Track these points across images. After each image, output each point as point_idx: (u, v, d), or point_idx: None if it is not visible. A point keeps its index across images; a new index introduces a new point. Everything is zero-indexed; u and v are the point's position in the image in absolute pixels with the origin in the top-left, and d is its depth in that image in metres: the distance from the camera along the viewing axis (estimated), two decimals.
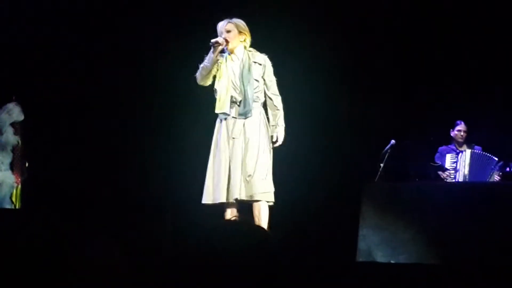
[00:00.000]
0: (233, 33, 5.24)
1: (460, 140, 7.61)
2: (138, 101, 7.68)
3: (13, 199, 6.52)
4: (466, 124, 7.60)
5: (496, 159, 7.37)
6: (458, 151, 7.58)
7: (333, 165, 7.55)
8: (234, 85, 5.20)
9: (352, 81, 7.70)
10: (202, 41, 5.38)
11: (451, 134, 7.66)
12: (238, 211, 5.19)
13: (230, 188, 5.08)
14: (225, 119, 5.18)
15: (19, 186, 6.58)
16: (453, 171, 7.51)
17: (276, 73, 5.42)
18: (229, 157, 5.12)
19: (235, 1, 6.67)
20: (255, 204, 5.13)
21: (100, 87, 7.58)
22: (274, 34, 7.16)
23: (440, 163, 7.60)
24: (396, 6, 7.65)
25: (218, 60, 5.21)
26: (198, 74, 5.26)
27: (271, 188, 5.17)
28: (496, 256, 5.14)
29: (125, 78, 7.59)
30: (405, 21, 7.64)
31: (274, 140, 5.29)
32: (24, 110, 6.62)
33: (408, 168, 7.22)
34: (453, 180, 7.45)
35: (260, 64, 5.29)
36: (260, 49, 5.42)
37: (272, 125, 5.32)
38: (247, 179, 5.07)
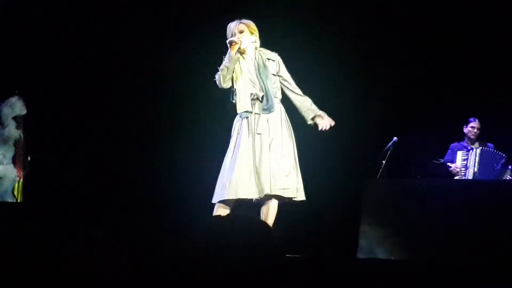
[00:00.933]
0: (245, 34, 5.25)
1: (472, 137, 7.57)
2: (140, 97, 7.68)
3: (15, 192, 6.53)
4: (479, 121, 7.56)
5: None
6: (469, 148, 7.55)
7: (334, 161, 7.55)
8: (253, 83, 5.21)
9: (354, 77, 7.69)
10: (213, 42, 5.37)
11: (464, 131, 7.63)
12: (231, 209, 5.15)
13: (259, 184, 5.05)
14: (247, 117, 5.17)
15: (21, 180, 6.59)
16: (463, 168, 7.50)
17: None
18: (256, 152, 5.08)
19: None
20: (265, 202, 5.12)
21: (104, 82, 7.57)
22: (275, 33, 7.16)
23: (442, 160, 7.59)
24: (399, 0, 7.64)
25: (238, 57, 5.19)
26: (218, 77, 5.21)
27: (293, 184, 5.13)
28: (498, 254, 5.14)
29: (129, 73, 7.59)
30: (411, 16, 7.62)
31: (327, 123, 5.29)
32: (27, 104, 6.62)
33: (410, 165, 7.22)
34: (463, 177, 7.44)
35: (274, 60, 5.31)
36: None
37: (314, 114, 5.31)
38: (271, 174, 5.06)
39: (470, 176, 7.43)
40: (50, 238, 1.68)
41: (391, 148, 6.55)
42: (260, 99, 5.18)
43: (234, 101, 5.24)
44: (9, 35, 7.33)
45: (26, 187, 6.62)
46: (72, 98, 7.57)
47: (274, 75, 5.27)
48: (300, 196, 5.19)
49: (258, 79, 5.21)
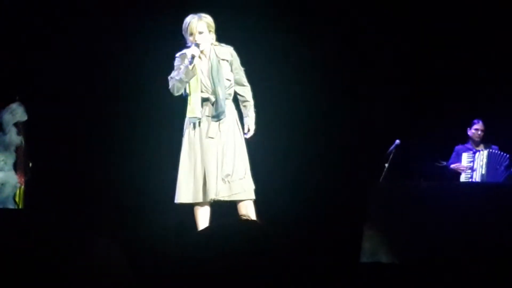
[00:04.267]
0: (205, 35, 5.05)
1: (477, 139, 7.56)
2: (141, 100, 7.66)
3: (16, 199, 6.52)
4: (483, 123, 7.54)
5: None
6: (474, 150, 7.54)
7: (337, 165, 7.53)
8: (205, 86, 5.07)
9: (357, 79, 7.67)
10: (172, 40, 5.23)
11: (468, 133, 7.61)
12: (210, 212, 5.13)
13: (206, 189, 5.01)
14: (198, 121, 5.07)
15: (22, 186, 6.57)
16: (469, 170, 7.49)
17: (278, 73, 5.34)
18: (203, 157, 5.02)
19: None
20: (240, 204, 5.08)
21: (103, 88, 7.57)
22: (273, 30, 7.15)
23: (446, 163, 7.58)
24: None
25: (195, 74, 5.02)
26: (173, 87, 5.06)
27: (251, 186, 5.11)
28: (503, 257, 5.12)
29: (127, 79, 7.58)
30: (413, 16, 7.60)
31: (246, 131, 5.19)
32: (28, 110, 6.61)
33: (413, 168, 7.20)
34: (470, 180, 7.44)
35: (227, 61, 5.14)
36: (257, 48, 5.32)
37: (245, 117, 5.23)
38: (226, 179, 5.00)
39: (478, 178, 7.44)
40: (51, 245, 1.66)
41: (394, 151, 6.54)
42: (212, 103, 5.06)
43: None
44: (9, 41, 7.32)
45: (28, 194, 6.60)
46: (74, 104, 7.56)
47: (228, 79, 5.12)
48: (253, 196, 5.15)
49: (210, 83, 5.06)
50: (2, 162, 6.45)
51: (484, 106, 7.56)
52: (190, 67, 5.00)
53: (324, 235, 6.76)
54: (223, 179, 5.00)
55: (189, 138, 5.10)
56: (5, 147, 6.49)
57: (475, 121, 7.57)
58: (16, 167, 6.55)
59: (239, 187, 5.04)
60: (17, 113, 6.56)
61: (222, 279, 1.36)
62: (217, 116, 5.04)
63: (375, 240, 5.66)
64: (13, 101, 6.61)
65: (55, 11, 7.51)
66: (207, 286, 1.37)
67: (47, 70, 7.52)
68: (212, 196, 4.99)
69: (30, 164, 6.71)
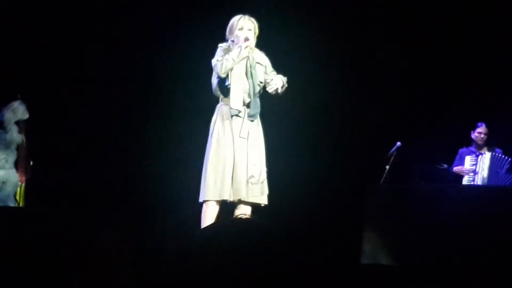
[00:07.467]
0: (252, 33, 5.19)
1: (480, 142, 7.54)
2: (140, 100, 7.67)
3: (17, 197, 6.52)
4: (487, 126, 7.53)
5: None
6: (478, 153, 7.53)
7: (338, 166, 7.53)
8: (244, 86, 5.16)
9: (359, 80, 7.67)
10: (195, 41, 5.27)
11: (472, 136, 7.59)
12: (219, 210, 5.16)
13: (235, 187, 5.04)
14: (231, 117, 5.11)
15: (23, 184, 6.57)
16: (472, 173, 7.49)
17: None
18: (235, 156, 5.07)
19: None
20: (242, 206, 5.11)
21: (105, 86, 7.57)
22: (273, 31, 7.14)
23: (446, 166, 7.57)
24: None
25: (247, 56, 5.11)
26: (221, 66, 5.07)
27: (266, 191, 5.19)
28: (502, 257, 5.12)
29: (128, 77, 7.58)
30: (417, 18, 7.60)
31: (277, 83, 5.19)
32: (29, 109, 6.61)
33: (414, 170, 7.20)
34: (472, 183, 7.44)
35: (262, 65, 5.26)
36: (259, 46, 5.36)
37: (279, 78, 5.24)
38: (250, 180, 5.05)
39: (479, 181, 7.42)
40: (52, 243, 1.66)
41: (394, 153, 6.54)
42: (247, 105, 5.15)
43: (219, 94, 5.17)
44: (11, 40, 7.32)
45: (28, 192, 6.61)
46: (75, 102, 7.56)
47: (261, 82, 5.21)
48: (267, 201, 5.21)
49: (248, 84, 5.16)
50: (3, 160, 6.46)
51: (489, 109, 7.55)
52: (244, 45, 5.06)
53: (324, 237, 6.76)
54: (247, 180, 5.05)
55: (218, 136, 5.13)
56: (6, 145, 6.49)
57: (479, 124, 7.55)
58: (17, 165, 6.55)
59: (259, 191, 5.10)
60: (18, 111, 6.57)
61: (223, 277, 1.36)
62: (253, 116, 5.14)
63: (375, 242, 5.66)
64: (14, 99, 6.61)
65: (57, 9, 7.51)
66: (209, 282, 1.37)
67: (49, 68, 7.52)
68: (242, 195, 5.03)
69: (31, 163, 6.72)
